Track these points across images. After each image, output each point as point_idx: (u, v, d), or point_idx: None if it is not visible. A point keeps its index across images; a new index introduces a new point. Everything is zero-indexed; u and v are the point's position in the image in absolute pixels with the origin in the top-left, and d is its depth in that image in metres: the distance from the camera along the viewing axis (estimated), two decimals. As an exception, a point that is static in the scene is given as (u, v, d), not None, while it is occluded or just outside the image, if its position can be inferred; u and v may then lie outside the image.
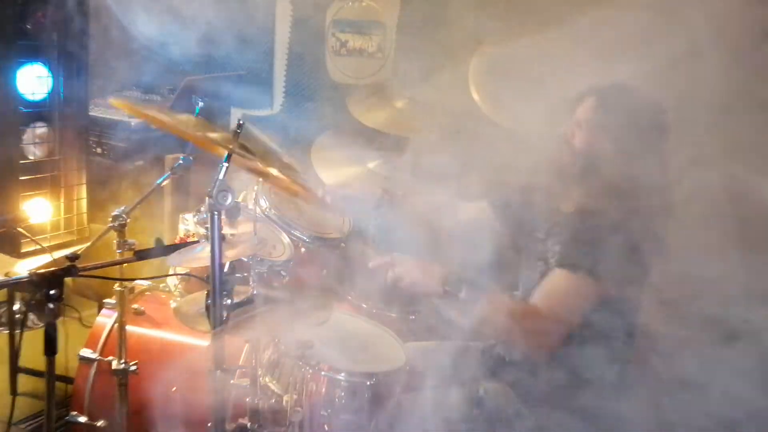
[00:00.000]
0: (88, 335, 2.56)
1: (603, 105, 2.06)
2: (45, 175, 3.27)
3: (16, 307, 3.37)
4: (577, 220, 2.06)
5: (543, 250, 2.15)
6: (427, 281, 2.01)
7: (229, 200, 1.60)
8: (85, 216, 3.45)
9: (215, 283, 1.65)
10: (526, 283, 2.19)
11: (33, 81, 3.16)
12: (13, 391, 3.04)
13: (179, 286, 2.71)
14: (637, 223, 1.92)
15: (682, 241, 1.98)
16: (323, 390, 2.16)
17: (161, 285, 2.72)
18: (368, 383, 2.17)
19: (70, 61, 3.26)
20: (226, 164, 1.63)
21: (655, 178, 1.96)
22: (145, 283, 2.71)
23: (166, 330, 2.54)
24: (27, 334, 1.97)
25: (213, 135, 1.74)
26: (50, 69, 3.20)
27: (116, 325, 2.44)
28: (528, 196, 2.24)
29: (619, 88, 2.09)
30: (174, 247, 1.97)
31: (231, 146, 1.64)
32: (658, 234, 1.98)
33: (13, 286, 3.15)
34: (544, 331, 1.93)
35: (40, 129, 3.23)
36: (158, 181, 2.51)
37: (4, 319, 3.64)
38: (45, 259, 2.97)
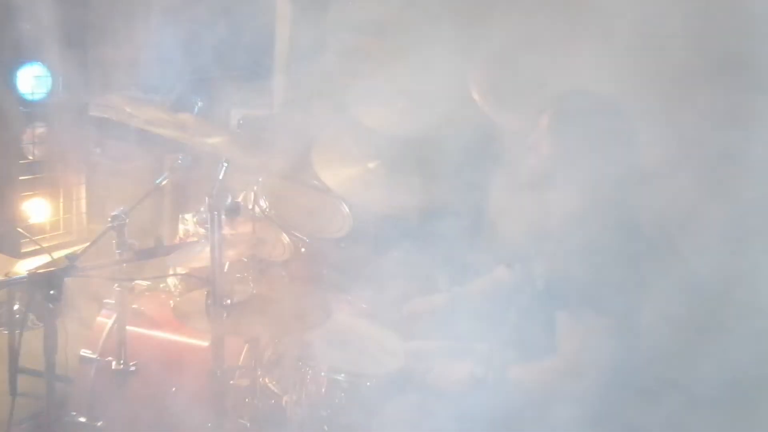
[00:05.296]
0: (88, 335, 2.56)
1: (560, 113, 2.08)
2: (45, 175, 3.26)
3: (16, 307, 3.37)
4: (559, 239, 2.07)
5: (530, 271, 2.16)
6: (456, 375, 2.13)
7: (229, 200, 1.60)
8: (84, 216, 3.45)
9: (215, 283, 1.65)
10: (518, 305, 2.21)
11: (33, 81, 3.16)
12: (13, 391, 3.04)
13: (179, 286, 2.71)
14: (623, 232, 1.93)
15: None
16: (323, 390, 2.16)
17: (161, 285, 2.72)
18: (368, 383, 2.17)
19: (69, 61, 3.25)
20: (225, 164, 1.63)
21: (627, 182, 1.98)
22: (145, 283, 2.71)
23: (166, 330, 2.54)
24: (27, 334, 1.97)
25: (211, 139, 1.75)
26: (50, 69, 3.20)
27: (116, 325, 2.44)
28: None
29: (578, 95, 2.12)
30: (174, 247, 1.98)
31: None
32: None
33: (13, 286, 3.16)
34: (580, 372, 1.96)
35: (40, 129, 3.23)
36: (158, 181, 2.51)
37: (4, 319, 3.63)
38: (45, 259, 2.96)
